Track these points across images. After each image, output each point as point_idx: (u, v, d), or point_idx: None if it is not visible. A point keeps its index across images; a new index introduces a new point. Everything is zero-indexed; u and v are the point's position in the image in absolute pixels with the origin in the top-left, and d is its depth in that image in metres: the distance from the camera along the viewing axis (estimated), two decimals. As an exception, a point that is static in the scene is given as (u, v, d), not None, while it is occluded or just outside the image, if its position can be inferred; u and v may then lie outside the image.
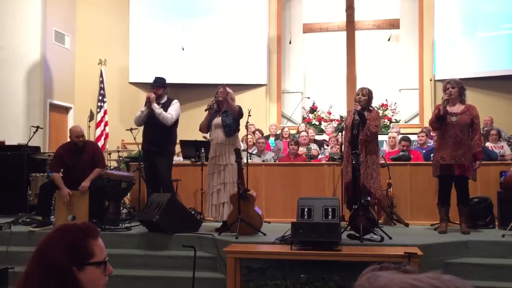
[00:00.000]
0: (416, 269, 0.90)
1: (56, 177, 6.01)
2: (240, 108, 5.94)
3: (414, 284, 0.81)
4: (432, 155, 5.98)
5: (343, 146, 5.93)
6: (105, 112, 11.07)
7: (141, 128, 6.58)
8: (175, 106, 6.36)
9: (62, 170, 6.22)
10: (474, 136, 5.54)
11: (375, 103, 11.44)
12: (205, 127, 6.05)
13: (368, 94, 5.83)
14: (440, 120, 5.48)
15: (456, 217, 5.70)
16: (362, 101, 5.77)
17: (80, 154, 6.13)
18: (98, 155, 6.29)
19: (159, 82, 6.45)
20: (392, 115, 11.80)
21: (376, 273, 0.88)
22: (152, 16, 11.91)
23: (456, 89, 5.58)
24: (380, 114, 11.29)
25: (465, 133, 5.51)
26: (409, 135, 8.49)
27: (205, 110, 6.03)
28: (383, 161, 6.69)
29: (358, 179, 5.26)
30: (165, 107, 6.30)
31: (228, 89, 5.98)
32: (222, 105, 5.94)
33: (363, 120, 5.63)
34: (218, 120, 5.90)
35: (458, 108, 5.56)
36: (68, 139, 6.40)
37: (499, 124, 9.47)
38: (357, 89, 6.43)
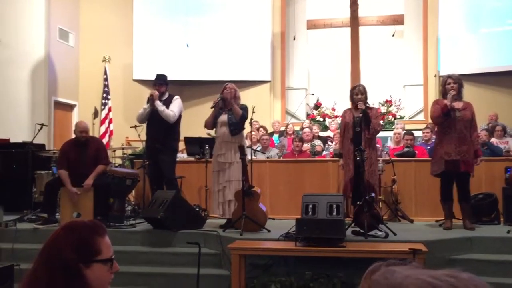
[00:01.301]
0: (421, 265, 0.89)
1: (62, 175, 5.95)
2: (244, 111, 5.90)
3: (432, 284, 0.77)
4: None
5: (343, 143, 5.88)
6: (109, 110, 11.09)
7: (145, 125, 6.59)
8: (176, 102, 6.34)
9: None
10: (473, 133, 5.55)
11: (380, 99, 11.47)
12: (210, 124, 6.04)
13: (364, 92, 5.80)
14: (446, 115, 5.47)
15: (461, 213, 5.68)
16: (363, 100, 5.75)
17: (84, 149, 6.14)
18: (102, 151, 6.28)
19: (162, 80, 6.45)
20: (397, 111, 11.76)
21: (391, 268, 0.85)
22: (155, 14, 11.91)
23: (457, 85, 5.58)
24: (383, 111, 11.33)
25: (468, 129, 5.51)
26: (413, 131, 8.45)
27: (211, 108, 6.02)
28: (387, 157, 6.68)
29: (362, 175, 5.25)
30: (167, 103, 6.29)
31: (235, 87, 5.97)
32: (228, 102, 5.93)
33: (367, 119, 5.62)
34: (224, 117, 5.89)
35: (458, 104, 5.55)
36: (73, 135, 6.41)
37: (504, 119, 9.44)
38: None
